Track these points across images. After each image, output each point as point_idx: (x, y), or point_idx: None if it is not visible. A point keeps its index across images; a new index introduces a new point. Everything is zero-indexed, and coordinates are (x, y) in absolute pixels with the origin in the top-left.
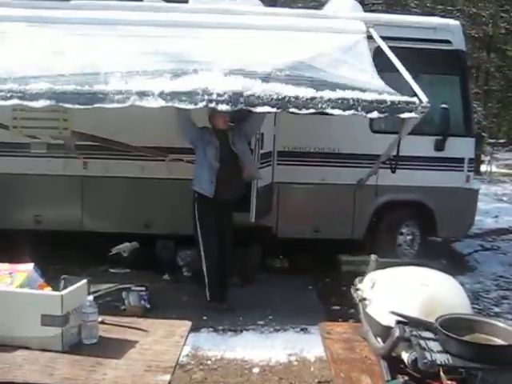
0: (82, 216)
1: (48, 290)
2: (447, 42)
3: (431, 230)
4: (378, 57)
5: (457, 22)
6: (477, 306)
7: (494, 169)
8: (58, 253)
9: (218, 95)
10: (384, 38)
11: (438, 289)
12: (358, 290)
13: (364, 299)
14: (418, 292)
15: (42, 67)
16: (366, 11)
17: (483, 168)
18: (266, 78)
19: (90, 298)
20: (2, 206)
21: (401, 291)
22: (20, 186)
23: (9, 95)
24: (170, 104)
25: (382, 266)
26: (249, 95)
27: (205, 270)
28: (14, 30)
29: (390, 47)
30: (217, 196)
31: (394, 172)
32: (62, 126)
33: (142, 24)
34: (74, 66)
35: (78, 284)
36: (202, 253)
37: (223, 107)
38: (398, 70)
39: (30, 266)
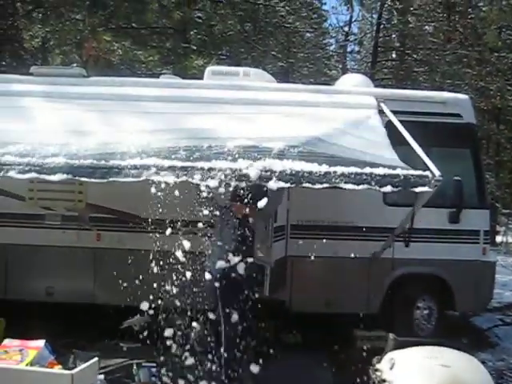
0: (94, 288)
1: (58, 369)
2: (457, 115)
3: (449, 304)
4: (389, 131)
5: (466, 96)
6: None
7: (510, 239)
8: (69, 325)
9: (232, 171)
10: (395, 113)
11: (460, 370)
12: (376, 370)
13: (383, 381)
14: (439, 374)
15: (60, 146)
16: (376, 86)
17: (499, 239)
18: (280, 156)
19: (101, 377)
20: (15, 276)
21: (422, 373)
22: (33, 256)
23: (27, 169)
24: (184, 179)
25: (400, 346)
26: (263, 170)
27: (223, 348)
28: (35, 106)
29: (401, 121)
30: (230, 276)
31: (407, 246)
32: (77, 198)
33: (158, 100)
34: (91, 146)
35: (89, 362)
36: (223, 331)
37: (237, 183)
38: (409, 144)
39: (41, 342)
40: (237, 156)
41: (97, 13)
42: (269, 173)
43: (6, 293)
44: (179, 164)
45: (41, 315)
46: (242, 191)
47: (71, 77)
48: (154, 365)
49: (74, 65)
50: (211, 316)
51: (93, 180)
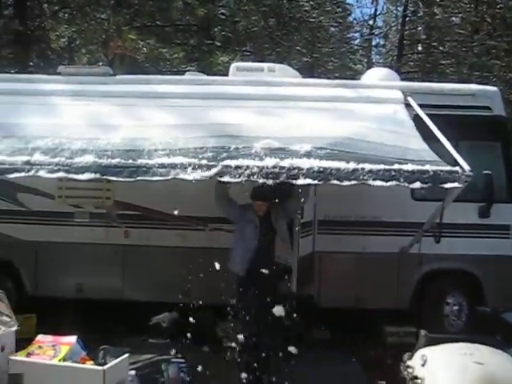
0: (123, 285)
1: (90, 364)
2: (487, 108)
3: (479, 300)
4: (417, 125)
5: (495, 88)
6: None
7: None
8: (98, 321)
9: (259, 169)
10: (422, 106)
11: (494, 368)
12: (408, 367)
13: (415, 378)
14: (473, 371)
15: (88, 141)
16: (402, 79)
17: None
18: (307, 156)
19: (132, 372)
20: (45, 273)
21: (455, 370)
22: (62, 254)
23: (56, 168)
24: (211, 177)
25: (432, 342)
26: (290, 168)
27: (239, 346)
28: (63, 104)
29: (429, 115)
30: (251, 275)
31: (438, 242)
32: (104, 195)
33: (185, 97)
34: (118, 141)
35: (120, 358)
36: (240, 329)
37: (264, 181)
38: (437, 139)
39: (73, 338)
40: (264, 157)
41: (121, 12)
42: (296, 170)
43: (36, 289)
44: (206, 162)
45: (70, 311)
46: (262, 189)
47: (98, 75)
48: (183, 361)
49: (100, 64)
50: (237, 313)
51: (121, 179)
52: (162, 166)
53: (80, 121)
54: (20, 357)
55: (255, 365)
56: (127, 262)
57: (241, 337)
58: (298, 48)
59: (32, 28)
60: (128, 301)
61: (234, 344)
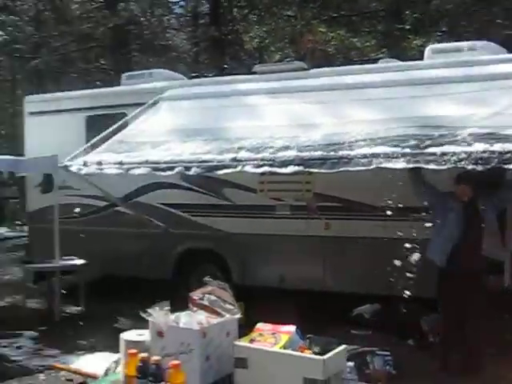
0: (324, 276)
1: (309, 354)
2: None
3: None
4: None
5: None
6: None
7: None
8: (299, 311)
9: (467, 155)
10: None
11: None
12: None
13: None
14: None
15: (290, 140)
16: None
17: None
18: None
19: (351, 363)
20: (250, 264)
21: None
22: (265, 245)
23: (261, 163)
24: (414, 165)
25: None
26: (502, 152)
27: (440, 339)
28: (261, 102)
29: None
30: (452, 267)
31: None
32: (304, 188)
33: (380, 85)
34: (318, 138)
35: (339, 348)
36: (442, 322)
37: (473, 167)
38: None
39: (292, 328)
40: (472, 142)
41: (308, 6)
42: (509, 154)
43: (242, 279)
44: (409, 151)
45: (272, 300)
46: (467, 172)
47: (293, 71)
48: (388, 353)
49: (290, 59)
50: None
51: (323, 171)
52: (364, 156)
53: (279, 121)
54: (244, 343)
55: (457, 361)
56: (328, 253)
57: (443, 331)
58: (498, 21)
59: (226, 32)
60: (329, 292)
61: (436, 338)
